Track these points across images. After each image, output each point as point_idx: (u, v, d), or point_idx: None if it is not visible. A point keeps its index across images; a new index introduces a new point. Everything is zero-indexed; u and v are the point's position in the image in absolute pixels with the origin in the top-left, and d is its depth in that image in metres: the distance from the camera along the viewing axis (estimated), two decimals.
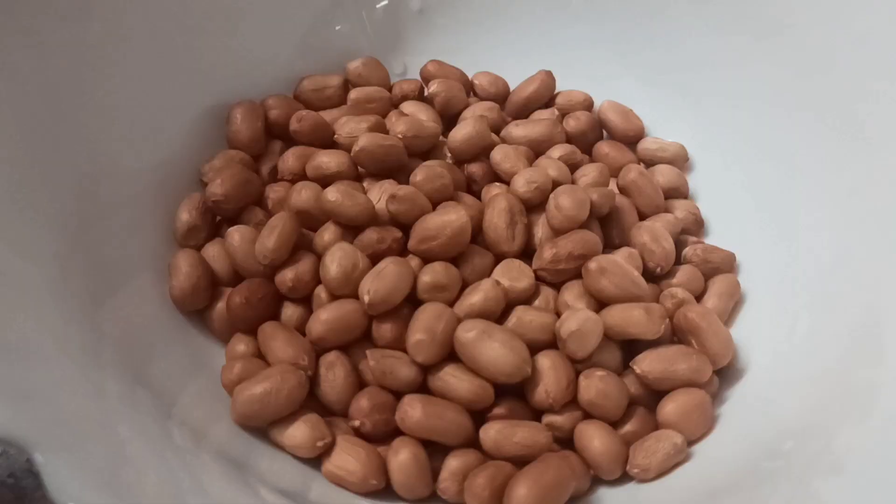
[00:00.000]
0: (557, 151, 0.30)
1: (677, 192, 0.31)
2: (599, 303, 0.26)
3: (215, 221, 0.29)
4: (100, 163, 0.26)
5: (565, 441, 0.24)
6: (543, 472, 0.22)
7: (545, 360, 0.24)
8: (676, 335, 0.26)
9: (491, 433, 0.23)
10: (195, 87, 0.30)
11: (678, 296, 0.27)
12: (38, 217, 0.23)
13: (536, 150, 0.31)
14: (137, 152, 0.28)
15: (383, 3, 0.34)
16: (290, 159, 0.29)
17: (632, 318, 0.25)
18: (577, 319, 0.24)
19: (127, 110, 0.28)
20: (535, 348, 0.25)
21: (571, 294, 0.26)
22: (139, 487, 0.19)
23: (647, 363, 0.25)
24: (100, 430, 0.20)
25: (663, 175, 0.31)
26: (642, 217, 0.29)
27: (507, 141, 0.31)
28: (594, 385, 0.24)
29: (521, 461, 0.23)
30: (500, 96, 0.33)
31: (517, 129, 0.31)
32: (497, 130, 0.31)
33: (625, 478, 0.24)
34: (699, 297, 0.28)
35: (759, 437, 0.23)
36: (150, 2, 0.28)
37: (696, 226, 0.30)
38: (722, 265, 0.28)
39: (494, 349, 0.24)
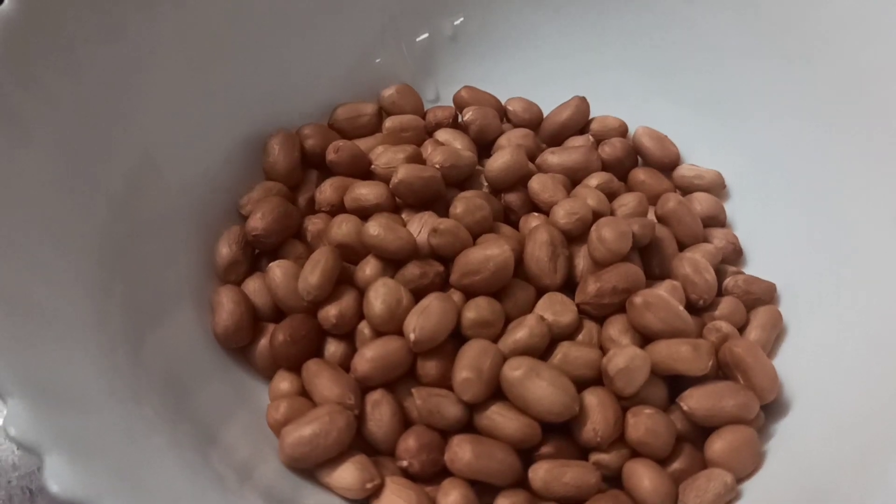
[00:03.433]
0: (595, 180, 0.30)
1: (715, 221, 0.31)
2: (644, 337, 0.26)
3: (255, 255, 0.28)
4: (134, 190, 0.26)
5: (613, 479, 0.24)
6: None
7: (592, 398, 0.24)
8: (721, 370, 0.26)
9: (540, 473, 0.23)
10: (229, 114, 0.30)
11: (722, 329, 0.26)
12: (73, 249, 0.23)
13: (573, 178, 0.30)
14: (172, 180, 0.28)
15: (424, 36, 0.34)
16: (327, 190, 0.29)
17: (679, 354, 0.25)
18: (625, 356, 0.24)
19: (161, 136, 0.27)
20: (580, 384, 0.24)
21: (615, 329, 0.26)
22: None
23: (695, 400, 0.25)
24: (151, 476, 0.20)
25: (701, 203, 0.31)
26: (681, 247, 0.29)
27: (543, 169, 0.31)
28: (643, 423, 0.24)
29: (570, 502, 0.23)
30: (534, 122, 0.33)
31: (553, 157, 0.31)
32: (532, 158, 0.31)
33: None
34: (741, 329, 0.27)
35: (809, 474, 0.23)
36: (186, 29, 0.28)
37: (735, 255, 0.30)
38: (763, 296, 0.28)
39: (542, 388, 0.23)
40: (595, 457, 0.24)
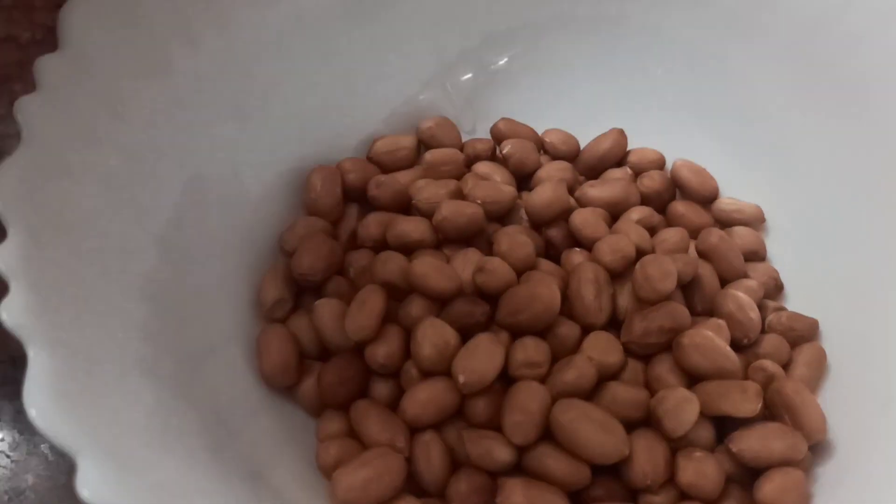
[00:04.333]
0: (635, 214, 0.30)
1: (756, 255, 0.31)
2: (691, 378, 0.26)
3: (299, 292, 0.28)
4: (177, 228, 0.26)
5: None
6: None
7: (641, 440, 0.24)
8: (768, 409, 0.26)
9: None
10: (271, 148, 0.30)
11: (768, 369, 0.26)
12: (122, 292, 0.23)
13: (612, 212, 0.30)
14: (214, 216, 0.28)
15: (468, 76, 0.34)
16: (371, 226, 0.29)
17: (727, 396, 0.25)
18: (675, 398, 0.24)
19: (204, 172, 0.27)
20: (628, 425, 0.24)
21: (662, 368, 0.26)
22: None
23: (744, 441, 0.24)
24: None
25: (742, 238, 0.31)
26: (722, 282, 0.29)
27: (583, 202, 0.31)
28: (693, 466, 0.24)
29: None
30: (572, 154, 0.33)
31: (593, 191, 0.31)
32: (571, 191, 0.31)
33: None
34: (785, 367, 0.27)
35: None
36: (229, 65, 0.28)
37: (776, 291, 0.30)
38: (806, 333, 0.28)
39: (593, 430, 0.23)
40: (645, 499, 0.24)
